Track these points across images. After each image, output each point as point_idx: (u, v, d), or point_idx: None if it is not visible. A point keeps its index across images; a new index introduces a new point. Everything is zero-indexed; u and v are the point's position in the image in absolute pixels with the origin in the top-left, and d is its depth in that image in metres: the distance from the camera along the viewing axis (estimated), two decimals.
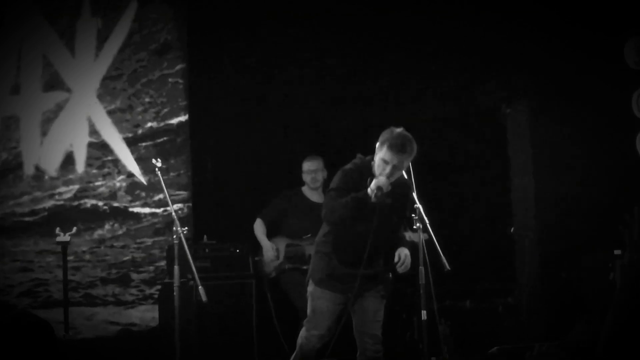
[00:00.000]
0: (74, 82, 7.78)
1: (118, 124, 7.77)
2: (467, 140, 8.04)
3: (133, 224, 7.72)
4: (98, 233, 7.68)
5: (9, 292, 7.54)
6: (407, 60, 7.58)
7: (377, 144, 5.02)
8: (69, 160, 7.74)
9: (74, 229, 7.27)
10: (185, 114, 7.79)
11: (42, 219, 7.63)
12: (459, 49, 7.36)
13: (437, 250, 5.04)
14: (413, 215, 5.04)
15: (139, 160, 7.74)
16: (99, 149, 7.76)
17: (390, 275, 5.28)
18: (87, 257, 7.65)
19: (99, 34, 7.81)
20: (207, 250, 6.99)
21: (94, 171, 7.75)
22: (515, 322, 7.29)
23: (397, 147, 4.92)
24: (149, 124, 7.80)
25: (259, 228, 7.08)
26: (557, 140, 7.28)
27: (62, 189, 7.70)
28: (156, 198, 7.67)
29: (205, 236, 7.13)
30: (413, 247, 5.21)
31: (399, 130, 5.01)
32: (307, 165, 7.14)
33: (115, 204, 7.72)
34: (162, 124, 7.80)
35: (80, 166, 7.75)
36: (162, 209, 7.67)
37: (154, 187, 7.65)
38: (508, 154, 7.54)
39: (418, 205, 5.05)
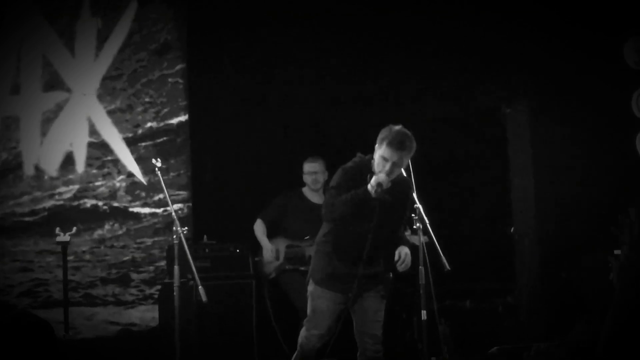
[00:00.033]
0: (74, 82, 7.78)
1: (118, 124, 7.77)
2: (467, 140, 8.04)
3: (133, 224, 7.72)
4: (98, 233, 7.69)
5: (9, 292, 7.54)
6: (407, 60, 7.58)
7: (377, 142, 5.04)
8: (68, 160, 7.74)
9: (74, 229, 7.27)
10: (185, 114, 7.80)
11: (42, 219, 7.63)
12: (459, 49, 7.36)
13: (437, 250, 5.04)
14: (413, 215, 5.05)
15: (138, 160, 7.74)
16: (99, 149, 7.76)
17: (391, 275, 5.28)
18: (87, 257, 7.65)
19: (98, 34, 7.81)
20: (207, 250, 6.99)
21: (94, 171, 7.75)
22: (515, 322, 7.29)
23: (396, 144, 4.94)
24: (149, 124, 7.80)
25: (259, 228, 7.07)
26: (557, 140, 7.28)
27: (62, 189, 7.71)
28: (156, 198, 7.67)
29: (205, 236, 7.12)
30: (413, 248, 5.21)
31: (397, 127, 5.03)
32: (308, 167, 7.13)
33: (115, 204, 7.73)
34: (162, 124, 7.81)
35: (80, 166, 7.75)
36: (162, 209, 7.67)
37: (153, 187, 7.65)
38: (508, 154, 7.54)
39: (418, 205, 5.06)
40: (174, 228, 5.60)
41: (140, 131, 7.80)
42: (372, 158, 5.07)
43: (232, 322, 6.82)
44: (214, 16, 7.67)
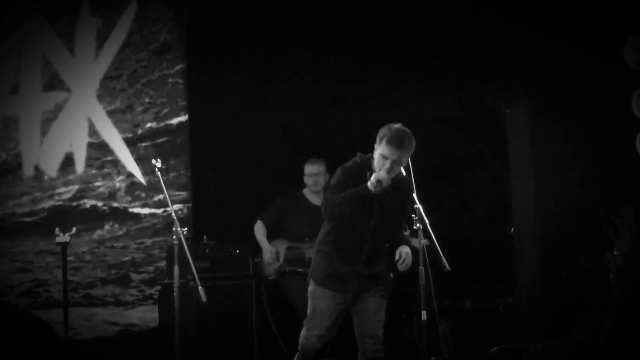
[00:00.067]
0: (74, 82, 7.78)
1: (118, 124, 7.77)
2: (467, 140, 8.04)
3: (133, 225, 7.72)
4: (98, 233, 7.68)
5: (9, 292, 7.54)
6: (407, 60, 7.58)
7: (376, 141, 5.04)
8: (68, 161, 7.74)
9: (74, 229, 7.26)
10: (185, 114, 7.79)
11: (42, 220, 7.63)
12: (459, 49, 7.35)
13: (437, 250, 5.05)
14: (413, 215, 5.05)
15: (138, 160, 7.74)
16: (99, 150, 7.76)
17: (391, 275, 5.28)
18: (87, 257, 7.65)
19: (98, 34, 7.81)
20: (207, 250, 6.98)
21: (94, 171, 7.75)
22: (515, 322, 7.29)
23: (396, 141, 4.96)
24: (149, 124, 7.80)
25: (259, 229, 7.06)
26: (557, 140, 7.28)
27: (62, 189, 7.70)
28: (156, 198, 7.67)
29: (205, 236, 7.12)
30: (414, 248, 5.21)
31: (397, 125, 5.05)
32: (309, 169, 7.11)
33: (115, 205, 7.73)
34: (161, 124, 7.80)
35: (79, 166, 7.75)
36: (161, 210, 7.67)
37: (153, 188, 7.65)
38: (508, 154, 7.54)
39: (418, 205, 5.07)
40: (174, 228, 5.60)
41: (140, 131, 7.79)
42: (372, 157, 5.08)
43: (232, 322, 6.81)
44: (214, 16, 7.66)
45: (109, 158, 7.77)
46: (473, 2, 7.22)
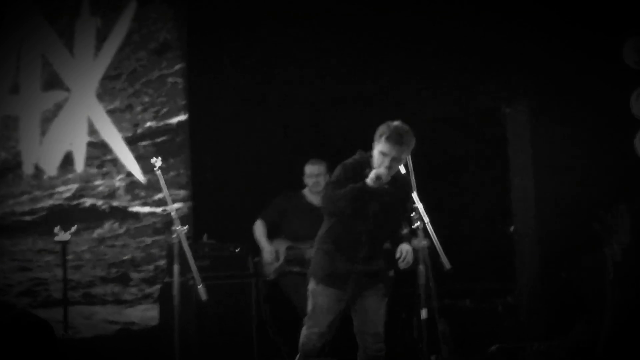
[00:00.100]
0: (73, 82, 7.78)
1: (117, 123, 7.77)
2: (467, 140, 8.03)
3: (132, 223, 7.71)
4: (97, 232, 7.69)
5: (8, 291, 7.55)
6: (407, 60, 7.58)
7: (375, 138, 5.05)
8: (68, 160, 7.74)
9: (73, 228, 7.26)
10: (184, 114, 7.79)
11: (42, 218, 7.63)
12: (459, 49, 7.35)
13: (437, 249, 5.05)
14: (413, 215, 5.06)
15: (138, 159, 7.74)
16: (99, 149, 7.76)
17: (392, 273, 5.29)
18: (87, 256, 7.65)
19: (98, 33, 7.81)
20: (207, 249, 6.98)
21: (94, 170, 7.75)
22: (515, 322, 7.28)
23: (395, 138, 4.97)
24: (149, 124, 7.80)
25: (259, 229, 7.05)
26: (557, 140, 7.28)
27: (62, 188, 7.71)
28: (156, 197, 7.67)
29: (205, 235, 7.12)
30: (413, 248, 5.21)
31: (396, 123, 5.06)
32: (310, 169, 7.10)
33: (115, 204, 7.73)
34: (161, 123, 7.80)
35: (79, 165, 7.75)
36: (161, 208, 7.67)
37: (153, 187, 7.65)
38: (508, 154, 7.54)
39: (418, 204, 5.07)
40: (174, 227, 5.60)
41: (139, 131, 7.79)
42: (372, 155, 5.09)
43: (232, 322, 6.82)
44: (214, 16, 7.66)
45: (109, 157, 7.77)
46: (473, 2, 7.23)
